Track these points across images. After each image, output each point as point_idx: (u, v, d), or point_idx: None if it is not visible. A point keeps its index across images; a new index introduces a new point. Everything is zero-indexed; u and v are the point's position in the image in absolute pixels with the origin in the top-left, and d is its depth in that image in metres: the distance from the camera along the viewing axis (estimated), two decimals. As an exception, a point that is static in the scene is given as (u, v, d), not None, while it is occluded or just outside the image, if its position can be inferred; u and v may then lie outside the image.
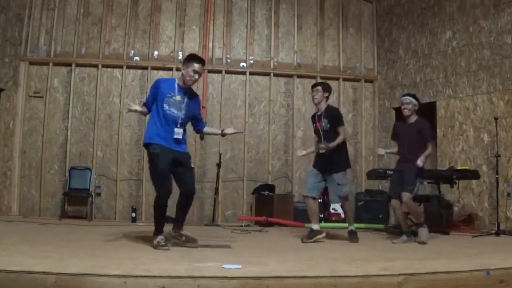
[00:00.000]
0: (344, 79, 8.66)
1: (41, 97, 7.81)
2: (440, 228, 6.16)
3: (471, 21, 7.16)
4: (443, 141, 7.47)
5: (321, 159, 5.21)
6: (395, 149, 5.56)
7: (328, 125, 5.23)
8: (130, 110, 4.31)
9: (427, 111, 8.06)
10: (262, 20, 8.58)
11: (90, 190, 7.52)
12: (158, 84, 4.33)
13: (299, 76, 8.50)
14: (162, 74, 8.15)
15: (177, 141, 4.27)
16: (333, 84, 8.58)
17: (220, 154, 7.76)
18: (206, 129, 4.69)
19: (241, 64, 8.35)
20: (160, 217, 4.28)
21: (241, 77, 8.35)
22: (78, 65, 7.94)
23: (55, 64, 7.90)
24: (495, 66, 6.77)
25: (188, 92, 4.35)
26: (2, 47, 7.30)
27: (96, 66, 7.95)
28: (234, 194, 8.11)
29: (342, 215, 7.82)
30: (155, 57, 8.12)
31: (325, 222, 7.61)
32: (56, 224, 6.36)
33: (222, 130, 4.60)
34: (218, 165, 7.56)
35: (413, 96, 5.45)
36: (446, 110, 7.47)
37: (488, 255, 4.05)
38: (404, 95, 5.53)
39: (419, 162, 5.05)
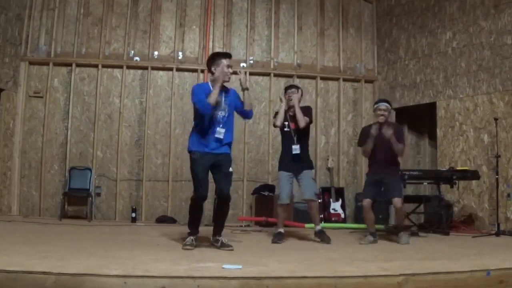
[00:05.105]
0: (344, 80, 8.66)
1: (41, 97, 7.81)
2: (440, 228, 6.16)
3: (471, 21, 7.16)
4: (443, 141, 7.47)
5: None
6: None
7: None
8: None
9: (428, 111, 8.11)
10: (262, 20, 8.58)
11: (90, 190, 7.52)
12: (200, 89, 4.35)
13: (299, 77, 8.50)
14: (162, 75, 8.16)
15: (219, 141, 4.33)
16: (333, 84, 8.69)
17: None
18: (247, 107, 4.53)
19: (241, 64, 8.33)
20: (193, 219, 4.35)
21: (241, 77, 8.34)
22: (78, 65, 7.93)
23: (55, 64, 7.89)
24: (495, 66, 6.77)
25: (223, 90, 4.39)
26: (2, 47, 7.30)
27: (96, 66, 7.94)
28: (234, 194, 8.04)
29: (342, 216, 7.83)
30: (155, 57, 8.11)
31: (325, 222, 7.62)
32: (56, 224, 6.36)
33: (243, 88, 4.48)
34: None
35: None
36: (446, 110, 7.47)
37: (488, 255, 4.05)
38: (382, 101, 5.49)
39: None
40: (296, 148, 5.21)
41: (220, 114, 4.33)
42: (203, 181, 4.24)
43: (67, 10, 8.02)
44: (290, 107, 5.32)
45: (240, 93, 4.51)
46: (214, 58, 4.41)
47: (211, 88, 4.34)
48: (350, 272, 3.01)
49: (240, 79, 4.45)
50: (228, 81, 4.39)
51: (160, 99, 8.11)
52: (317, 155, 8.32)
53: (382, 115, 5.26)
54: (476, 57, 7.06)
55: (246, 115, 4.57)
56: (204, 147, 4.29)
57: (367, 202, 5.19)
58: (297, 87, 5.50)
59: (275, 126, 5.36)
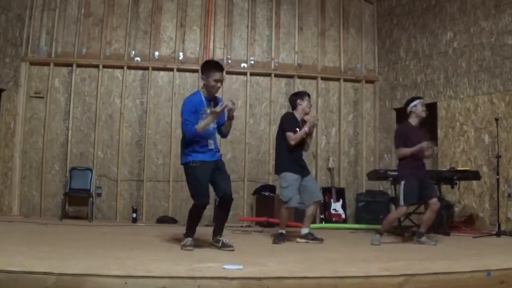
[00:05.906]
0: (345, 80, 8.66)
1: (42, 97, 7.81)
2: (441, 229, 6.15)
3: (472, 22, 7.15)
4: (444, 142, 7.47)
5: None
6: None
7: None
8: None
9: (428, 111, 8.09)
10: (263, 20, 8.58)
11: (91, 190, 7.52)
12: (192, 104, 4.27)
13: (300, 77, 8.50)
14: (163, 75, 8.16)
15: (212, 151, 4.36)
16: (334, 84, 8.69)
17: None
18: (227, 132, 4.58)
19: (242, 64, 8.35)
20: (193, 224, 4.35)
21: (242, 77, 8.35)
22: (79, 65, 7.94)
23: (56, 65, 7.90)
24: (496, 67, 6.77)
25: (212, 101, 4.39)
26: (3, 48, 7.30)
27: (97, 66, 7.95)
28: (235, 194, 7.89)
29: (343, 216, 7.83)
30: (156, 57, 8.12)
31: (325, 222, 7.62)
32: (57, 225, 6.36)
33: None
34: (219, 166, 7.56)
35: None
36: (447, 111, 7.47)
37: (489, 256, 4.05)
38: (418, 98, 5.47)
39: None
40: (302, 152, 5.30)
41: (212, 126, 4.35)
42: (207, 188, 4.25)
43: (67, 10, 8.03)
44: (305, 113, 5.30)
45: (229, 100, 4.45)
46: (207, 67, 4.37)
47: (204, 100, 4.32)
48: (350, 272, 3.01)
49: (228, 109, 4.30)
50: (215, 94, 4.40)
51: (161, 100, 8.11)
52: (318, 156, 8.32)
53: (424, 110, 5.30)
54: (477, 58, 7.06)
55: (223, 135, 4.57)
56: (202, 157, 4.29)
57: (406, 209, 5.23)
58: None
59: (290, 142, 5.14)
